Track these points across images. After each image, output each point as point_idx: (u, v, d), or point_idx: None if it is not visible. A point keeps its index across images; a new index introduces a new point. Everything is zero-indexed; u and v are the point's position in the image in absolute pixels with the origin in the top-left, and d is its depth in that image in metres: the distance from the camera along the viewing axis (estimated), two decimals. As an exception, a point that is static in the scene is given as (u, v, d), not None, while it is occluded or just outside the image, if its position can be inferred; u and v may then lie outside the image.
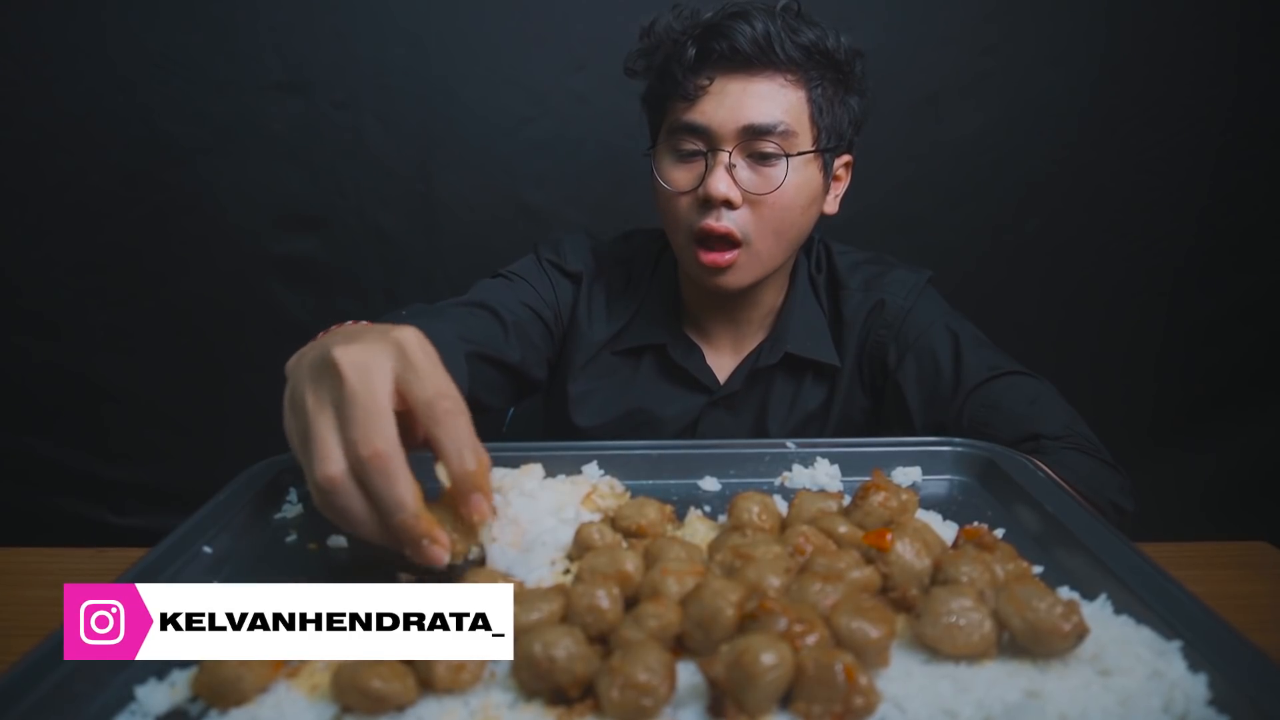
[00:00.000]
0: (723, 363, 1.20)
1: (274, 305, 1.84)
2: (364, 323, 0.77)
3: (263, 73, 1.71)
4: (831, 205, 1.16)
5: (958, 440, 0.80)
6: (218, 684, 0.47)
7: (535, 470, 0.71)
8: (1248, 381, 1.97)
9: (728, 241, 1.05)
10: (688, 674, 0.47)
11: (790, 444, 0.80)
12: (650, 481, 0.77)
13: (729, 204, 1.03)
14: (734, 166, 1.03)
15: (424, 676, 0.47)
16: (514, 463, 0.73)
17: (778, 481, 0.77)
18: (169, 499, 1.91)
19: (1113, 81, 1.80)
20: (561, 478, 0.73)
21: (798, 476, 0.77)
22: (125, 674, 0.50)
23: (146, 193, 1.75)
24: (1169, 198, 1.87)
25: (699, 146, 1.05)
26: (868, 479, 0.66)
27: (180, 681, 0.49)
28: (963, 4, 1.77)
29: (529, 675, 0.47)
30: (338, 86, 1.73)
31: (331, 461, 0.54)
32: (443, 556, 0.56)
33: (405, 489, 0.54)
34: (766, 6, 1.04)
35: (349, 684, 0.46)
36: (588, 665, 0.46)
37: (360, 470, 0.54)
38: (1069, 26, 1.77)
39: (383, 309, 1.86)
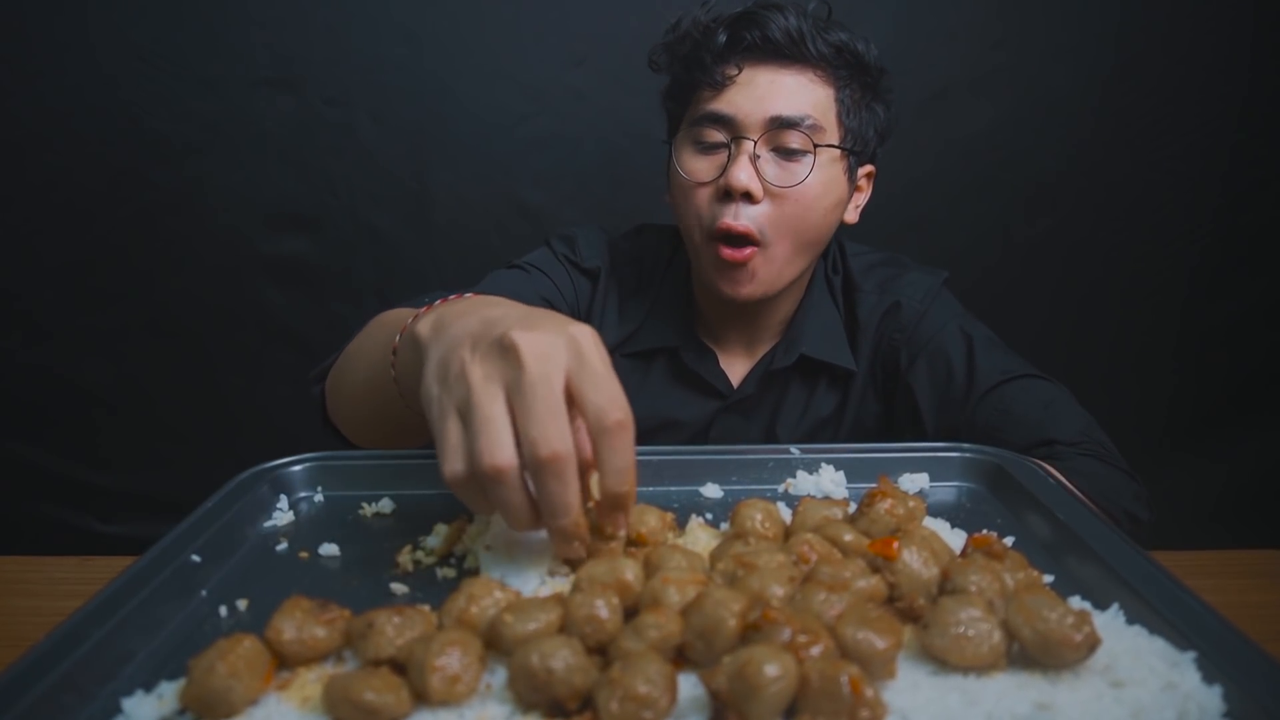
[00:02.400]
0: (735, 366, 1.19)
1: (264, 306, 1.82)
2: (475, 296, 0.71)
3: (253, 69, 1.69)
4: (852, 215, 1.14)
5: (966, 446, 0.79)
6: (206, 695, 0.46)
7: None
8: (1265, 385, 1.94)
9: (746, 240, 1.02)
10: (689, 686, 0.46)
11: (794, 450, 0.79)
12: (651, 488, 0.75)
13: (749, 197, 1.01)
14: (758, 158, 1.01)
15: (418, 688, 0.46)
16: None
17: (781, 488, 0.76)
18: (156, 506, 1.88)
19: (1125, 78, 1.78)
20: (559, 483, 0.72)
21: (802, 483, 0.76)
22: (112, 686, 0.49)
23: (134, 192, 1.73)
24: (1183, 197, 1.84)
25: (722, 137, 1.03)
26: (873, 486, 0.65)
27: (168, 694, 0.48)
28: (972, -1, 1.75)
29: (526, 687, 0.45)
30: (330, 83, 1.71)
31: (503, 451, 0.52)
32: (583, 554, 0.57)
33: (575, 493, 0.53)
34: (798, 5, 1.04)
35: (341, 696, 0.45)
36: (586, 677, 0.45)
37: (536, 468, 0.52)
38: (1080, 21, 1.75)
39: (375, 310, 1.85)
